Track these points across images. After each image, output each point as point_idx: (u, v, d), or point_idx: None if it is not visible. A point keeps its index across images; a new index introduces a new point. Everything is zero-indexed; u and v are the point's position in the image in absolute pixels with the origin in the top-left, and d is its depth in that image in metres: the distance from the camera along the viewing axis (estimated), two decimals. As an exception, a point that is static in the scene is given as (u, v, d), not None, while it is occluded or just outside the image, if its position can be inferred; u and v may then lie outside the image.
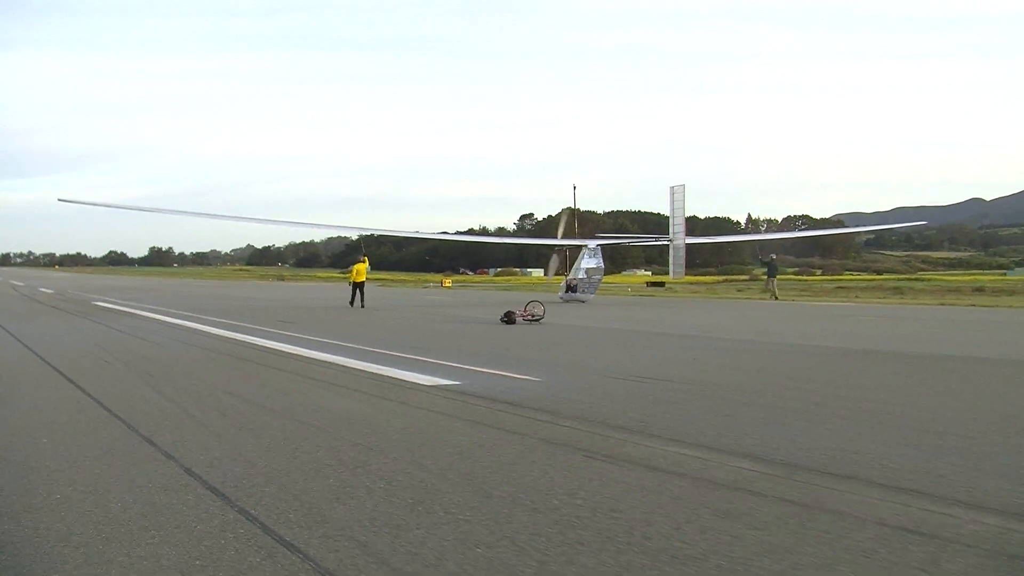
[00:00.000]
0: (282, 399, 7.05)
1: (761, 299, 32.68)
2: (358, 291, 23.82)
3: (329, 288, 49.12)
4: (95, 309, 23.01)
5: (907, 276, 76.20)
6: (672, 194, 30.17)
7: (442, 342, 12.77)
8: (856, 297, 35.62)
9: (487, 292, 44.54)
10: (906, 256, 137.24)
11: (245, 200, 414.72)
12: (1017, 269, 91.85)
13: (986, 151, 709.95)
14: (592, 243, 29.03)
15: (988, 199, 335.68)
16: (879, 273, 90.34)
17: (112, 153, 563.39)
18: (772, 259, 33.77)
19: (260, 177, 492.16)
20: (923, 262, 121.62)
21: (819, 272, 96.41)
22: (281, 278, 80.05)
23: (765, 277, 35.66)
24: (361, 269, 24.49)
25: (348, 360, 9.83)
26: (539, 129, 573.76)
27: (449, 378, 8.28)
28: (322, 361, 9.84)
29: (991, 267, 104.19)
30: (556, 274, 31.60)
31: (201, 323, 16.68)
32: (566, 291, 27.87)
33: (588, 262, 27.58)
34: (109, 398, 7.07)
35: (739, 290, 45.44)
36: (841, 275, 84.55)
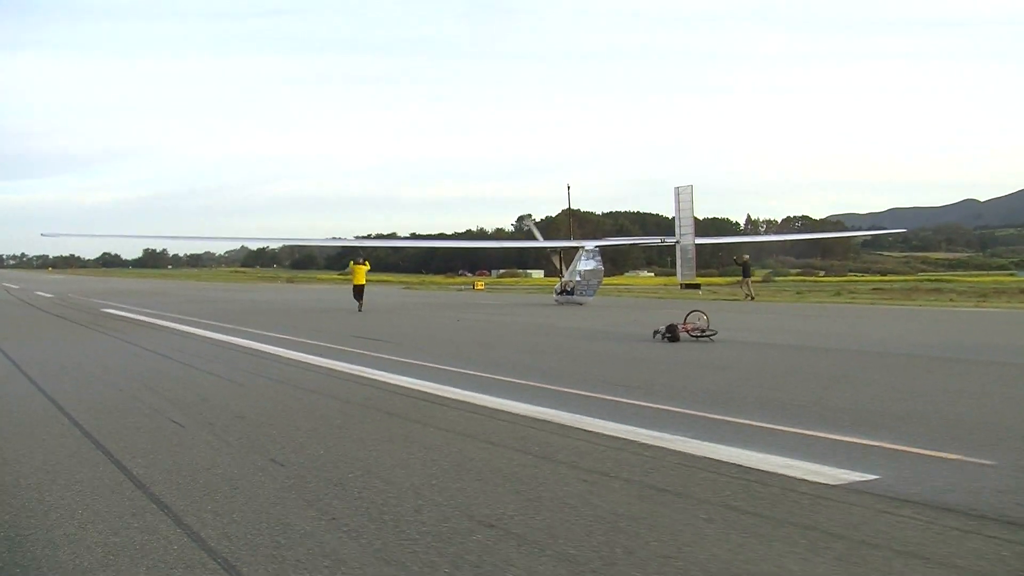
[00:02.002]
0: (627, 544, 3.18)
1: (851, 303, 29.37)
2: (359, 293, 23.02)
3: (345, 291, 44.84)
4: (108, 319, 19.05)
5: (912, 277, 73.15)
6: (678, 194, 28.56)
7: (642, 373, 8.83)
8: (951, 300, 31.83)
9: (529, 295, 40.62)
10: (905, 257, 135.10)
11: (241, 201, 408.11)
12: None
13: (980, 152, 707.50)
14: (590, 244, 27.48)
15: (982, 200, 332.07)
16: (883, 274, 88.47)
17: (108, 154, 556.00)
18: (746, 259, 33.30)
19: (257, 178, 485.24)
20: (923, 263, 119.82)
21: (821, 273, 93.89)
22: (290, 280, 75.74)
23: (741, 277, 34.25)
24: (362, 271, 23.77)
25: (581, 419, 5.96)
26: (537, 130, 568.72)
27: (830, 463, 4.50)
28: (534, 419, 5.95)
29: (991, 268, 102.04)
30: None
31: (256, 339, 12.77)
32: (561, 293, 26.70)
33: (585, 264, 26.10)
34: (248, 556, 3.17)
35: (799, 292, 41.92)
36: (845, 276, 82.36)
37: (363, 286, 23.10)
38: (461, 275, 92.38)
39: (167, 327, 16.05)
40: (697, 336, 12.23)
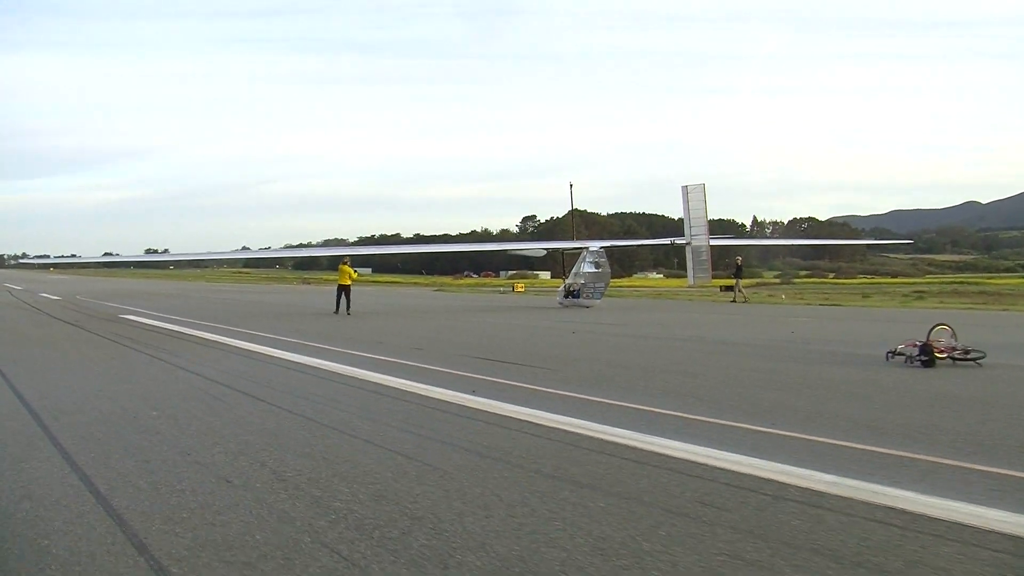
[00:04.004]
0: None
1: (966, 307, 26.36)
2: (344, 295, 22.52)
3: (372, 294, 41.80)
4: (135, 329, 15.84)
5: (937, 279, 70.99)
6: (686, 193, 27.57)
7: (982, 424, 5.66)
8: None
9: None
10: (911, 259, 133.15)
11: (242, 201, 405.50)
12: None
13: (982, 154, 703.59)
14: (594, 245, 26.98)
15: (984, 202, 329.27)
16: (892, 276, 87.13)
17: (107, 154, 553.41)
18: (739, 261, 33.58)
19: (258, 178, 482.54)
20: (929, 265, 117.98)
21: (831, 275, 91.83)
22: (306, 281, 72.52)
23: (733, 280, 33.84)
24: (348, 273, 23.46)
25: None
26: (542, 130, 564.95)
27: None
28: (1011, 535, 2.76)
29: (998, 270, 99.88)
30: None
31: (348, 362, 9.58)
32: (565, 296, 25.96)
33: (590, 265, 25.71)
34: None
35: (865, 295, 38.90)
36: (855, 278, 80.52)
37: (349, 287, 22.82)
38: (466, 276, 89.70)
39: (215, 341, 12.84)
40: (958, 359, 9.05)
